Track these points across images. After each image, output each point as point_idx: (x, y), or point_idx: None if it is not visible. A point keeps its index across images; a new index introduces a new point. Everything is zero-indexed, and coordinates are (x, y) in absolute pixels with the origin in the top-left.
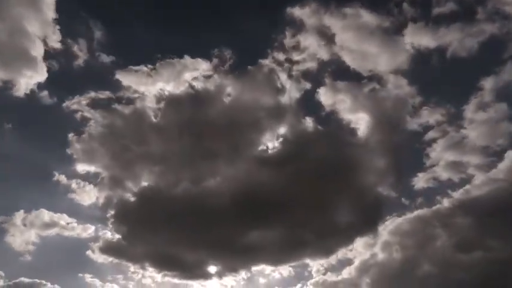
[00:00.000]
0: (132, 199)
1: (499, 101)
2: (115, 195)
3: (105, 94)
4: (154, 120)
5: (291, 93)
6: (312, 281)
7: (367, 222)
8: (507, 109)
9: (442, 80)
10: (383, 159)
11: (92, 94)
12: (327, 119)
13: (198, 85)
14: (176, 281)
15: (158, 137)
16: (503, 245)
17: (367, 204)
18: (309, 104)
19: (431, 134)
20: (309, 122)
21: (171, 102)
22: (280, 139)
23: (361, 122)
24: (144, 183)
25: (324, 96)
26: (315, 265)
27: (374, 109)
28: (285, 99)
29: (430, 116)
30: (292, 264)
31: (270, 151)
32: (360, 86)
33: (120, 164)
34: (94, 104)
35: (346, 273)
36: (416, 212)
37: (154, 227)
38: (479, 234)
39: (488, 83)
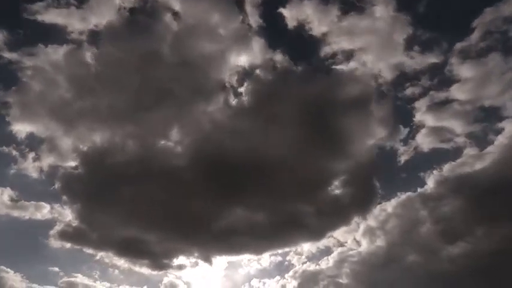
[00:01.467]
0: (77, 168)
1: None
2: (58, 164)
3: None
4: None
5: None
6: (291, 272)
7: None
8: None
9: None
10: None
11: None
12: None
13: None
14: (145, 270)
15: (97, 84)
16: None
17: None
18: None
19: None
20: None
21: (106, 36)
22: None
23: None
24: (88, 146)
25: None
26: (303, 250)
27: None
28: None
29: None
30: (275, 252)
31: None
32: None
33: (59, 123)
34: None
35: (325, 263)
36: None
37: (111, 203)
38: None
39: None
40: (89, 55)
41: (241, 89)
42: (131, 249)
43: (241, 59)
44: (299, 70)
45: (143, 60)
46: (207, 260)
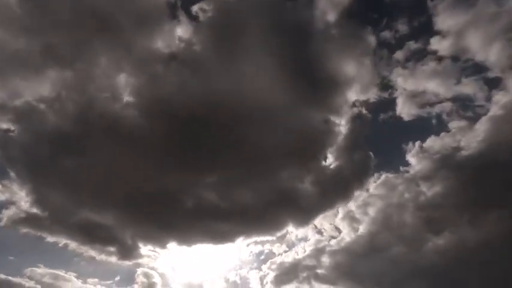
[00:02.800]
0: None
1: None
2: None
3: None
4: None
5: None
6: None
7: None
8: None
9: None
10: None
11: None
12: None
13: None
14: (113, 259)
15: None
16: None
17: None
18: None
19: None
20: None
21: None
22: None
23: None
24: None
25: None
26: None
27: None
28: None
29: None
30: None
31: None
32: None
33: None
34: None
35: (302, 252)
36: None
37: (61, 175)
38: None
39: None
40: None
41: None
42: (95, 236)
43: None
44: None
45: None
46: (180, 246)
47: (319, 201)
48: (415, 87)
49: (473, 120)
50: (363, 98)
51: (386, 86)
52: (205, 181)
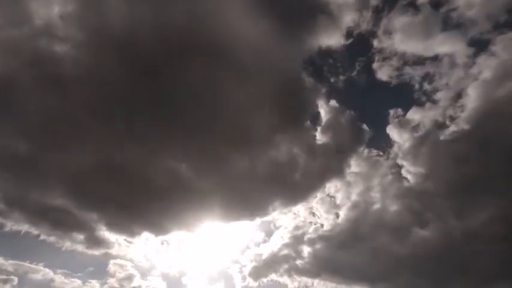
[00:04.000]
0: None
1: None
2: None
3: None
4: None
5: None
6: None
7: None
8: None
9: None
10: None
11: None
12: None
13: None
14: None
15: None
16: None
17: None
18: None
19: None
20: None
21: None
22: None
23: None
24: None
25: None
26: None
27: None
28: None
29: None
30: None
31: None
32: None
33: None
34: None
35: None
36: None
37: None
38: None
39: None
40: None
41: None
42: (57, 222)
43: None
44: None
45: None
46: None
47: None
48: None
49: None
50: None
51: None
52: (173, 153)
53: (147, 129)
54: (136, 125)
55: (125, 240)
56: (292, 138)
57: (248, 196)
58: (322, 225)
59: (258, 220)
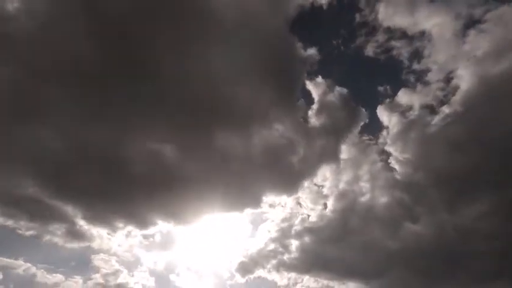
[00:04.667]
0: None
1: None
2: None
3: None
4: None
5: None
6: None
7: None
8: None
9: None
10: None
11: None
12: None
13: None
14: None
15: None
16: None
17: None
18: None
19: None
20: None
21: None
22: None
23: None
24: None
25: None
26: None
27: None
28: None
29: None
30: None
31: None
32: None
33: None
34: None
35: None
36: None
37: None
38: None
39: None
40: None
41: None
42: (32, 213)
43: None
44: None
45: None
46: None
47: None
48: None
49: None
50: None
51: None
52: (154, 132)
53: (123, 105)
54: (110, 100)
55: (107, 233)
56: (283, 117)
57: (237, 183)
58: (309, 216)
59: (248, 211)
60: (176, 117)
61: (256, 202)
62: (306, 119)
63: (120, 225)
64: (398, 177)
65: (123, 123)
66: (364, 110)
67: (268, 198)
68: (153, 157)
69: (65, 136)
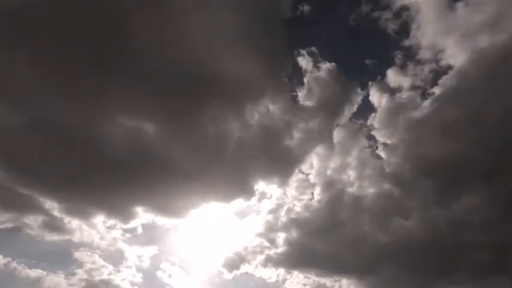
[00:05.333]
0: None
1: None
2: None
3: None
4: None
5: None
6: None
7: None
8: None
9: None
10: None
11: None
12: None
13: None
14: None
15: None
16: None
17: None
18: None
19: None
20: None
21: None
22: None
23: None
24: None
25: None
26: None
27: None
28: None
29: None
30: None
31: None
32: None
33: None
34: None
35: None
36: None
37: None
38: None
39: None
40: None
41: None
42: (6, 204)
43: None
44: None
45: None
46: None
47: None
48: None
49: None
50: None
51: None
52: (130, 107)
53: (94, 75)
54: (78, 70)
55: (87, 226)
56: (271, 92)
57: (227, 169)
58: (294, 206)
59: (236, 202)
60: (156, 88)
61: (247, 191)
62: (295, 98)
63: (100, 217)
64: (386, 166)
65: (96, 97)
66: (359, 89)
67: (260, 185)
68: (131, 137)
69: (25, 112)
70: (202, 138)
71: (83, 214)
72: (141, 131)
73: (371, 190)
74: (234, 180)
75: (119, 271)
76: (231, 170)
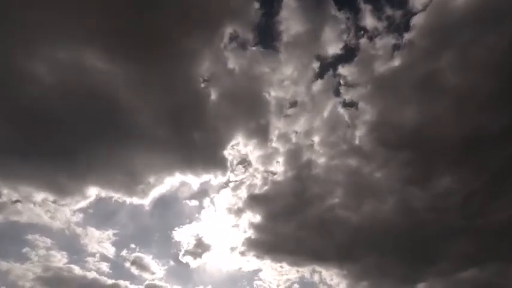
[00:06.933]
0: None
1: None
2: None
3: None
4: None
5: None
6: None
7: None
8: None
9: None
10: None
11: None
12: None
13: None
14: None
15: None
16: None
17: None
18: None
19: None
20: None
21: None
22: None
23: None
24: None
25: None
26: None
27: None
28: None
29: None
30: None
31: None
32: None
33: None
34: None
35: None
36: None
37: None
38: None
39: None
40: None
41: None
42: None
43: None
44: None
45: None
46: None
47: None
48: None
49: None
50: None
51: None
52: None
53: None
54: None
55: (34, 205)
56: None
57: (194, 126)
58: (260, 184)
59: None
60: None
61: (219, 162)
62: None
63: (43, 193)
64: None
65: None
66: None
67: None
68: (68, 70)
69: None
70: (164, 77)
71: (23, 185)
72: (80, 62)
73: (336, 164)
74: (208, 143)
75: (82, 260)
76: (205, 126)
